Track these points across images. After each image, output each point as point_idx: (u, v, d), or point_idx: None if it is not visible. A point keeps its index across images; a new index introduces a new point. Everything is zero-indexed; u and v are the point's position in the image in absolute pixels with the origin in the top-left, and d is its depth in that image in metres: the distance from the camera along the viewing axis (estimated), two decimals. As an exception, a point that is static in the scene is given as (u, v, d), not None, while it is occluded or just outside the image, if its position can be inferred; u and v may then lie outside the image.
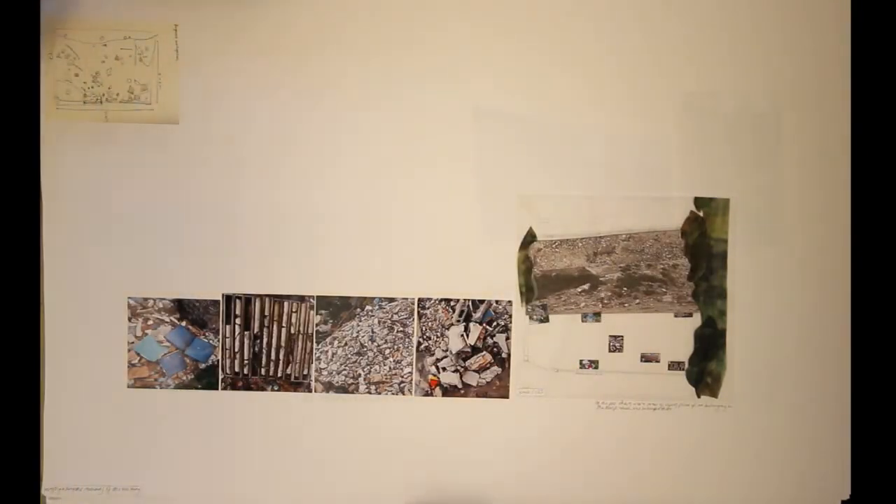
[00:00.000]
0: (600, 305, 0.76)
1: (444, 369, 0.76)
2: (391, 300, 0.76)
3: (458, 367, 0.76)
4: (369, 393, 0.76)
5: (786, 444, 0.76)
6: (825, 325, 0.76)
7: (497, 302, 0.76)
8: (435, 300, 0.76)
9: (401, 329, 0.76)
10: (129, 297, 0.75)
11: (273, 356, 0.76)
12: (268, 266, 0.75)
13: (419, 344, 0.76)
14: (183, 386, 0.76)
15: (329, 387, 0.76)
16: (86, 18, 0.74)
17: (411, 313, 0.76)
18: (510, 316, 0.76)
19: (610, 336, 0.76)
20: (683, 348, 0.76)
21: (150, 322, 0.75)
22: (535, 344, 0.76)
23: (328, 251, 0.75)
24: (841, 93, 0.75)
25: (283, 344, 0.76)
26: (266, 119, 0.75)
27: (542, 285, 0.76)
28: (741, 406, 0.76)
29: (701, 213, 0.75)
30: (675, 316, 0.76)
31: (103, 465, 0.75)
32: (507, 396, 0.76)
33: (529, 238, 0.76)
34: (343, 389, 0.76)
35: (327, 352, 0.76)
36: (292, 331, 0.76)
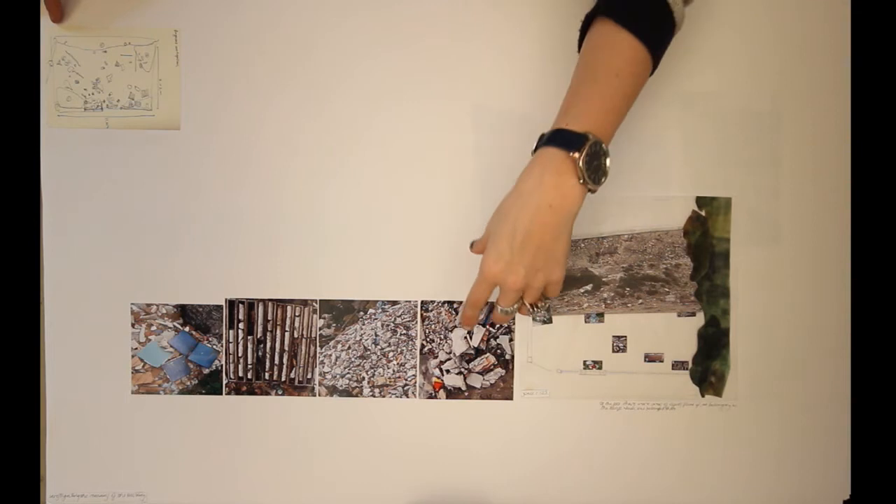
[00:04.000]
0: (603, 306, 0.76)
1: (447, 371, 0.76)
2: (394, 303, 0.76)
3: (462, 370, 0.76)
4: (373, 396, 0.76)
5: (788, 443, 0.76)
6: (828, 323, 0.76)
7: (500, 304, 0.76)
8: (438, 303, 0.76)
9: (404, 332, 0.76)
10: (131, 303, 0.75)
11: (276, 360, 0.76)
12: (270, 270, 0.75)
13: (422, 347, 0.76)
14: (187, 391, 0.76)
15: (333, 390, 0.76)
16: (85, 25, 0.74)
17: (414, 316, 0.76)
18: (513, 317, 0.76)
19: (613, 336, 0.76)
20: (687, 348, 0.76)
21: (154, 328, 0.75)
22: (539, 345, 0.76)
23: (330, 255, 0.75)
24: (841, 93, 0.75)
25: (286, 348, 0.76)
26: (267, 124, 0.75)
27: (545, 286, 0.76)
28: (744, 405, 0.76)
29: (703, 213, 0.76)
30: (679, 315, 0.76)
31: (108, 471, 0.75)
32: (511, 398, 0.76)
33: (532, 239, 0.76)
34: (347, 393, 0.76)
35: (331, 355, 0.76)
36: (295, 335, 0.76)
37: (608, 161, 0.62)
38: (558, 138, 0.62)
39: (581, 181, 0.61)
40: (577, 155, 0.61)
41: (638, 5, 0.63)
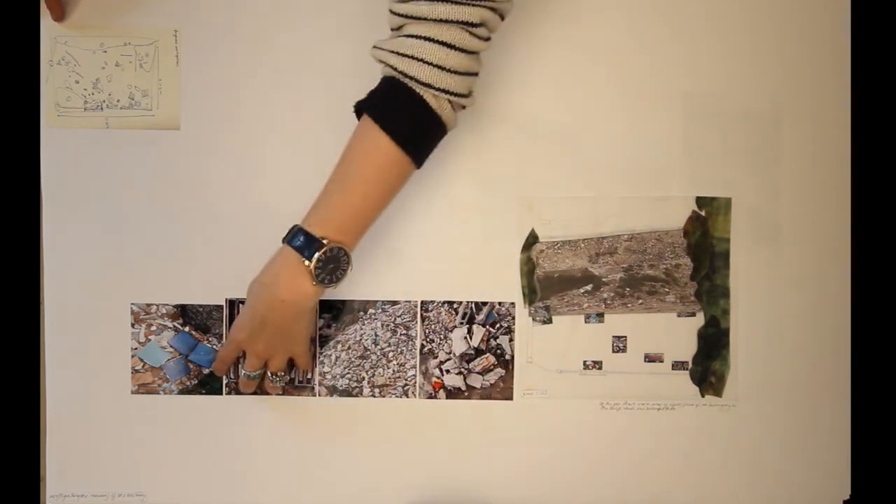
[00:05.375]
0: (603, 306, 0.76)
1: (447, 371, 0.76)
2: (394, 303, 0.76)
3: (462, 370, 0.76)
4: (373, 396, 0.76)
5: (788, 443, 0.76)
6: (828, 323, 0.76)
7: (500, 304, 0.76)
8: (438, 302, 0.76)
9: (404, 332, 0.76)
10: (131, 303, 0.75)
11: (276, 360, 0.76)
12: (270, 270, 0.75)
13: (422, 347, 0.76)
14: (187, 391, 0.76)
15: (333, 390, 0.76)
16: (85, 25, 0.74)
17: (414, 316, 0.76)
18: (513, 317, 0.76)
19: (613, 336, 0.76)
20: (687, 348, 0.76)
21: (154, 328, 0.75)
22: (539, 345, 0.76)
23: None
24: (841, 93, 0.75)
25: (286, 348, 0.76)
26: (267, 123, 0.75)
27: (545, 286, 0.76)
28: (745, 405, 0.76)
29: (703, 213, 0.76)
30: (679, 315, 0.76)
31: (108, 471, 0.75)
32: (510, 398, 0.76)
33: (532, 239, 0.76)
34: (347, 393, 0.76)
35: (331, 355, 0.76)
36: (295, 335, 0.76)
37: (349, 265, 0.66)
38: (298, 239, 0.65)
39: (314, 283, 0.64)
40: (308, 263, 0.64)
41: (401, 109, 0.63)
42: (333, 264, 0.65)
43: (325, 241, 0.64)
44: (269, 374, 0.72)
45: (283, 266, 0.66)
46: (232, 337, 0.70)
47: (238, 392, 0.75)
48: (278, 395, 0.75)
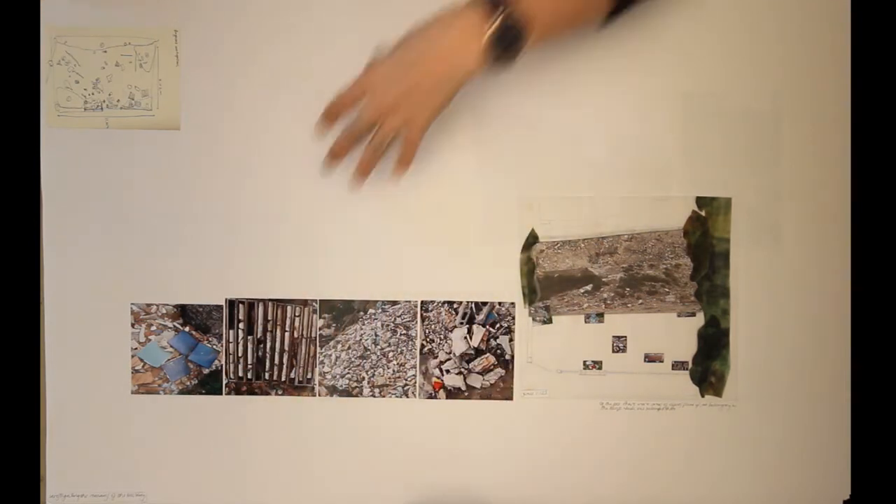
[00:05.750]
0: (603, 306, 0.76)
1: (447, 371, 0.76)
2: (394, 303, 0.76)
3: (462, 370, 0.76)
4: (373, 396, 0.76)
5: (788, 443, 0.76)
6: (828, 323, 0.76)
7: (500, 304, 0.76)
8: (438, 303, 0.76)
9: (404, 332, 0.76)
10: (131, 303, 0.75)
11: (277, 360, 0.76)
12: (270, 270, 0.75)
13: (422, 347, 0.76)
14: (187, 391, 0.76)
15: (333, 390, 0.76)
16: (85, 25, 0.74)
17: (414, 316, 0.76)
18: (513, 317, 0.76)
19: (613, 336, 0.76)
20: (687, 348, 0.76)
21: (154, 328, 0.75)
22: (539, 345, 0.76)
23: (330, 255, 0.75)
24: (841, 93, 0.75)
25: (286, 348, 0.76)
26: (267, 123, 0.75)
27: (545, 286, 0.76)
28: (745, 405, 0.76)
29: (703, 213, 0.76)
30: (679, 315, 0.76)
31: (108, 471, 0.75)
32: (510, 398, 0.76)
33: (532, 239, 0.76)
34: (347, 393, 0.76)
35: (331, 356, 0.76)
36: (295, 335, 0.76)
37: (522, 49, 0.62)
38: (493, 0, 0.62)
39: (484, 48, 0.61)
40: (490, 26, 0.61)
41: None
42: (512, 38, 0.62)
43: (513, 13, 0.61)
44: (371, 140, 0.66)
45: (458, 17, 0.62)
46: (361, 77, 0.66)
47: (238, 392, 0.75)
48: (362, 179, 0.70)
